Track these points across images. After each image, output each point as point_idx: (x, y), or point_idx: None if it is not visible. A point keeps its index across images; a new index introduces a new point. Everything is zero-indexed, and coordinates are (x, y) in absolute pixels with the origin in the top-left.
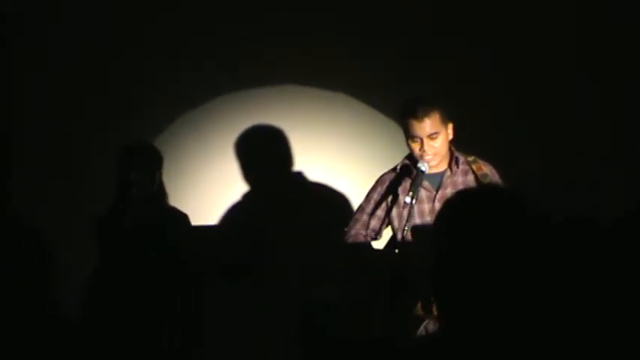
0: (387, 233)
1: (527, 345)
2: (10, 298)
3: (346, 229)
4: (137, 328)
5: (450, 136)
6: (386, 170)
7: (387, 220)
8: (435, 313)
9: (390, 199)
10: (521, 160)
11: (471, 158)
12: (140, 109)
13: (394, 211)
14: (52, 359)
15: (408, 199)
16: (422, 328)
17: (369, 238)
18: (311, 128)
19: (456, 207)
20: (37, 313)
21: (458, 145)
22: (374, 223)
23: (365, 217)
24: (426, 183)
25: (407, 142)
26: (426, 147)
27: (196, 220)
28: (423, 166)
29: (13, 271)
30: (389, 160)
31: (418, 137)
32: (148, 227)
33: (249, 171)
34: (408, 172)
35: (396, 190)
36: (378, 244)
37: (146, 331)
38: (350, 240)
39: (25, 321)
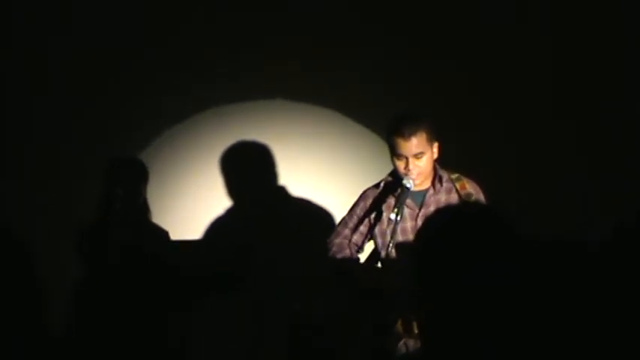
0: (369, 246)
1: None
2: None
3: (328, 240)
4: (121, 338)
5: (435, 155)
6: (369, 186)
7: (369, 236)
8: (415, 331)
9: (373, 215)
10: (509, 172)
11: (454, 176)
12: (126, 123)
13: (377, 228)
14: None
15: (392, 216)
16: (401, 344)
17: (354, 250)
18: (296, 143)
19: (436, 225)
20: (22, 326)
21: (448, 159)
22: (356, 237)
23: (347, 231)
24: (409, 201)
25: (392, 158)
26: (410, 166)
27: (181, 235)
28: (409, 183)
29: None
30: (372, 175)
31: (404, 156)
32: (128, 242)
33: (234, 186)
34: (391, 188)
35: (380, 206)
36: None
37: (130, 342)
38: (334, 249)
39: (11, 333)
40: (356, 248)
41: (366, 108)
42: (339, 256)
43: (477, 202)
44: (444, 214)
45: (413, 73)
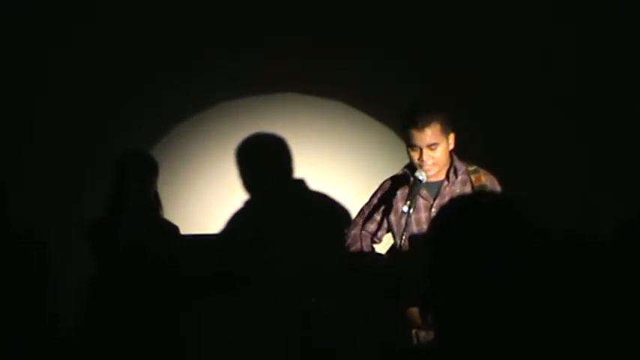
0: (388, 238)
1: (521, 355)
2: (9, 306)
3: (346, 231)
4: (133, 333)
5: (451, 146)
6: (388, 177)
7: (384, 226)
8: (428, 321)
9: (388, 206)
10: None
11: (472, 168)
12: (137, 118)
13: (393, 219)
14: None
15: (405, 208)
16: (413, 335)
17: (368, 240)
18: (309, 137)
19: (449, 214)
20: (35, 320)
21: (462, 152)
22: (372, 226)
23: (362, 221)
24: (424, 192)
25: (407, 150)
26: (424, 157)
27: (192, 230)
28: (421, 176)
29: (13, 280)
30: (387, 168)
31: (418, 146)
32: (141, 237)
33: (244, 181)
34: (407, 180)
35: (395, 197)
36: (379, 249)
37: (142, 336)
38: (349, 240)
39: (24, 329)
40: (371, 237)
41: (381, 102)
42: (352, 248)
43: (491, 192)
44: (457, 203)
45: (422, 67)
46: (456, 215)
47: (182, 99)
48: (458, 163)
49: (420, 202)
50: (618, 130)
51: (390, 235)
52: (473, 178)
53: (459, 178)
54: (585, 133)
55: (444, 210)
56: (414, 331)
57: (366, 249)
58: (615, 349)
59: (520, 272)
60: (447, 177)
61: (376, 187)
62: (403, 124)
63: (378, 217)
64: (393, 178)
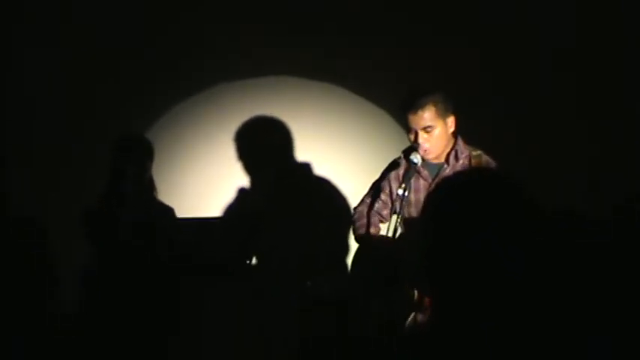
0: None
1: (519, 332)
2: (12, 293)
3: (354, 208)
4: (132, 320)
5: (451, 129)
6: (388, 161)
7: (389, 205)
8: (425, 304)
9: (390, 187)
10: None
11: (475, 153)
12: (132, 101)
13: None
14: (51, 350)
15: (400, 191)
16: (411, 318)
17: (376, 218)
18: (305, 121)
19: (446, 189)
20: (37, 307)
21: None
22: (378, 205)
23: (368, 199)
24: (425, 173)
25: (407, 132)
26: (420, 139)
27: (188, 213)
28: (415, 158)
29: (14, 267)
30: (385, 153)
31: (413, 129)
32: (138, 221)
33: (243, 163)
34: (403, 163)
35: (394, 180)
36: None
37: (141, 323)
38: (355, 216)
39: (26, 315)
40: (375, 213)
41: (380, 87)
42: (358, 224)
43: (487, 169)
44: (453, 181)
45: (425, 50)
46: (452, 193)
47: (178, 81)
48: (461, 147)
49: (420, 182)
50: (620, 112)
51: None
52: (474, 162)
53: (460, 162)
54: (588, 117)
55: (440, 188)
56: (412, 315)
57: (372, 226)
58: (616, 332)
59: (519, 256)
60: (447, 160)
61: (375, 172)
62: (401, 108)
63: (383, 196)
64: (399, 160)
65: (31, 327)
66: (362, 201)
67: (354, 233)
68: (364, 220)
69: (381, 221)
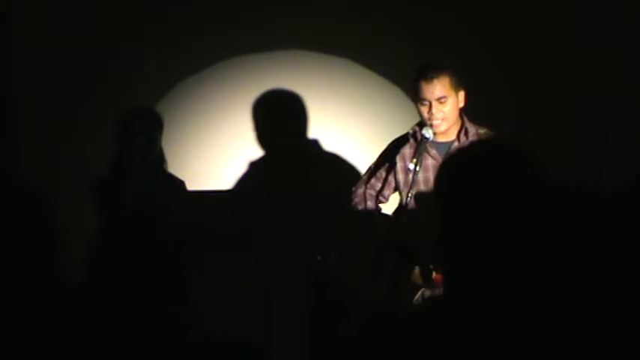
0: (394, 198)
1: (528, 306)
2: (16, 262)
3: (353, 189)
4: (137, 289)
5: (461, 104)
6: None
7: (392, 185)
8: (435, 281)
9: (395, 164)
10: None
11: (482, 131)
12: (141, 74)
13: (400, 177)
14: (56, 321)
15: (411, 166)
16: (419, 295)
17: (374, 200)
18: (316, 95)
19: (456, 164)
20: (43, 276)
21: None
22: (378, 184)
23: (369, 179)
24: (434, 152)
25: (417, 107)
26: (434, 110)
27: (198, 186)
28: (428, 133)
29: (19, 235)
30: (392, 128)
31: (427, 100)
32: (147, 193)
33: (253, 136)
34: (415, 138)
35: (403, 155)
36: (386, 209)
37: (146, 292)
38: (355, 198)
39: (32, 284)
40: (376, 196)
41: (390, 60)
42: (359, 206)
43: (502, 140)
44: (469, 149)
45: (436, 29)
46: (465, 165)
47: (188, 54)
48: (469, 125)
49: (429, 161)
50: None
51: (396, 195)
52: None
53: (469, 140)
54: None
55: (453, 160)
56: (420, 291)
57: (370, 208)
58: (621, 302)
59: (532, 229)
60: (458, 138)
61: (384, 146)
62: (413, 80)
63: (384, 174)
64: (402, 137)
65: (37, 296)
66: (362, 181)
67: (353, 213)
68: (365, 203)
69: (381, 202)
